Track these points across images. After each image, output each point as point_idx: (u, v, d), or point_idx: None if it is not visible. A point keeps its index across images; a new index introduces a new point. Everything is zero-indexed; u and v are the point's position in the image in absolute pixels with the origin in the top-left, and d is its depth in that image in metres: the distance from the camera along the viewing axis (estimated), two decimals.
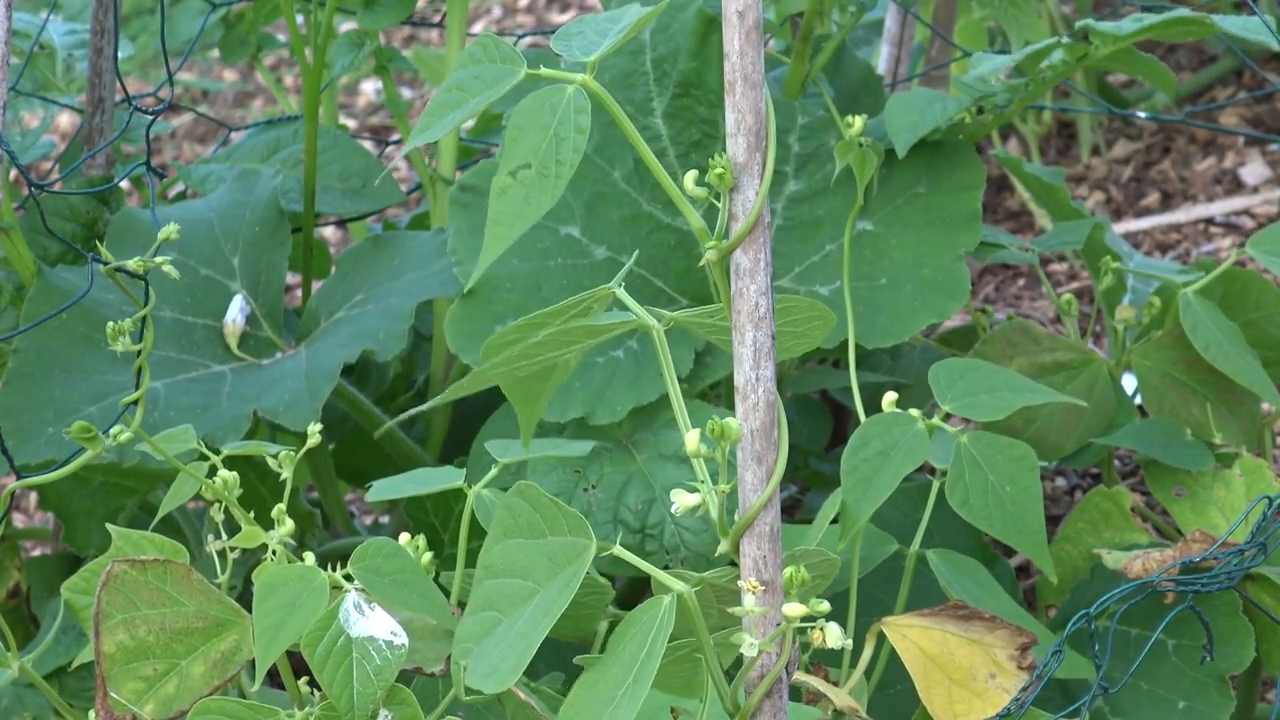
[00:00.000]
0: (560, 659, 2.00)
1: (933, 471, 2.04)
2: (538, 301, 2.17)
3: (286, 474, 1.76)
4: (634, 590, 2.31)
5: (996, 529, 1.86)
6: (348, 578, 1.60)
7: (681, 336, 2.11)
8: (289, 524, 1.70)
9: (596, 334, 1.54)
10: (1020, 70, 2.26)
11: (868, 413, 1.89)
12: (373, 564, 1.60)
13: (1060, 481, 2.84)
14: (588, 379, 2.12)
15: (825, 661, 1.86)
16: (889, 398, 1.86)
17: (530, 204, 1.44)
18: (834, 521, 1.83)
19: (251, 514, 1.73)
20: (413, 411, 2.15)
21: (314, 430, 1.79)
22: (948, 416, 1.89)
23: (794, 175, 2.27)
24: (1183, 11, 2.16)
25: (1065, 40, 2.20)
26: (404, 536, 1.71)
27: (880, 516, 2.08)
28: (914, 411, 1.85)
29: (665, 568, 1.49)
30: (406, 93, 4.53)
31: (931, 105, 2.19)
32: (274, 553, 1.69)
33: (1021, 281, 3.32)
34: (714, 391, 2.24)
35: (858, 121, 2.05)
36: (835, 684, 1.76)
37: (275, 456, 1.77)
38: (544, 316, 1.54)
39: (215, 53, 3.92)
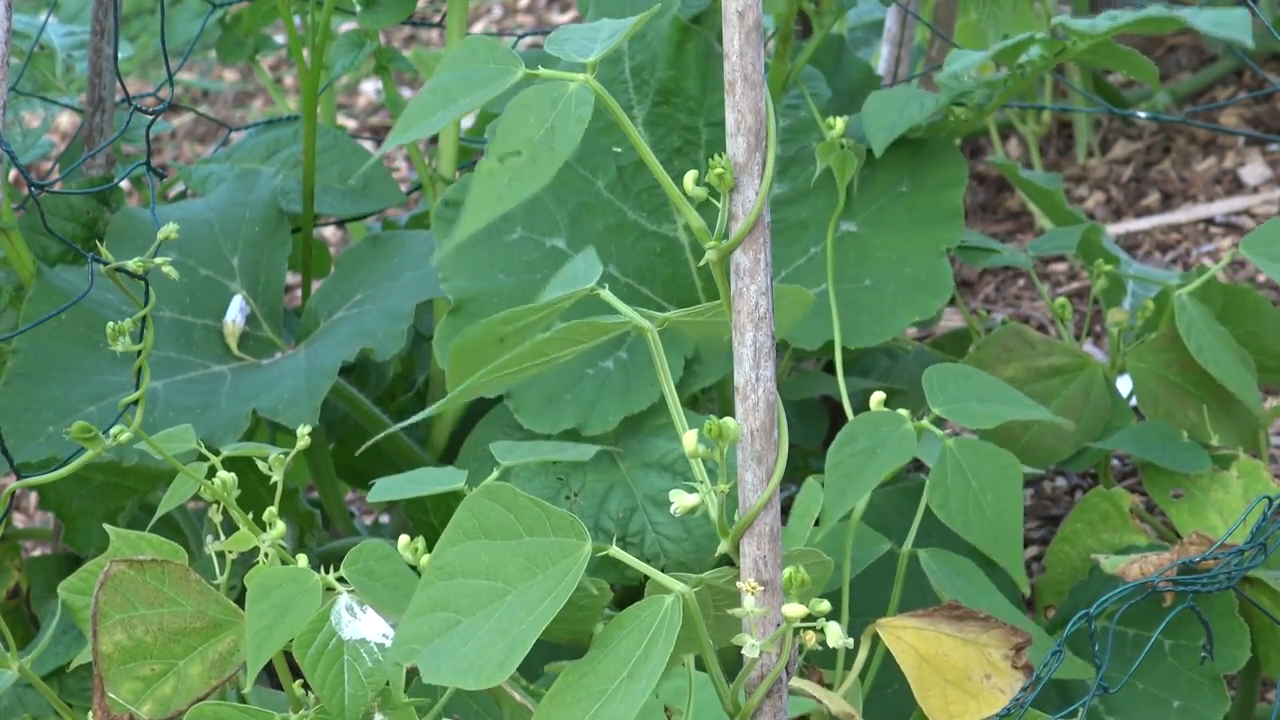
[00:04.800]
0: (559, 661, 1.99)
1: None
2: None
3: (277, 476, 1.76)
4: (620, 600, 2.30)
5: (973, 535, 1.86)
6: (341, 580, 1.60)
7: (671, 343, 2.11)
8: (280, 527, 1.70)
9: (600, 332, 1.54)
10: (1001, 65, 2.26)
11: None
12: (366, 566, 1.60)
13: (1060, 482, 2.83)
14: (578, 390, 2.12)
15: (819, 663, 1.85)
16: (876, 398, 1.86)
17: (514, 187, 1.43)
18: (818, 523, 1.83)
19: (251, 515, 1.73)
20: (415, 418, 2.15)
21: (303, 432, 1.79)
22: (939, 421, 1.89)
23: (777, 178, 2.27)
24: (1155, 9, 2.16)
25: (1041, 35, 2.20)
26: (403, 539, 1.71)
27: (879, 515, 2.08)
28: (903, 411, 1.85)
29: (646, 577, 1.49)
30: (406, 93, 4.53)
31: (909, 104, 2.19)
32: (266, 556, 1.69)
33: (1021, 282, 3.32)
34: (705, 395, 2.23)
35: (839, 123, 2.05)
36: (829, 686, 1.76)
37: (266, 460, 1.77)
38: (523, 312, 1.53)
39: (215, 53, 3.93)
